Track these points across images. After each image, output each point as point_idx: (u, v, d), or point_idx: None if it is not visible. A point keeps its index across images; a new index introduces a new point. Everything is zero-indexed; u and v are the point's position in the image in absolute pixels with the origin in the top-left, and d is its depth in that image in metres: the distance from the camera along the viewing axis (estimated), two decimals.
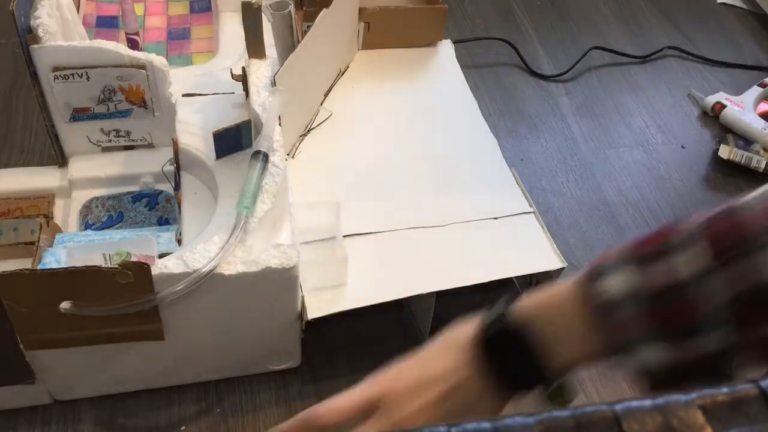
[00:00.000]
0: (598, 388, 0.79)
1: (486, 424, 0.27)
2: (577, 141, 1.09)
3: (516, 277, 0.86)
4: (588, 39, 1.28)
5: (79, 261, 0.63)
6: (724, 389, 0.29)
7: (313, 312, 0.68)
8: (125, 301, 0.59)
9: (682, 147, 1.10)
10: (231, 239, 0.62)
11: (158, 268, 0.60)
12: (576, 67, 1.20)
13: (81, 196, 0.84)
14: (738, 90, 1.18)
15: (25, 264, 0.75)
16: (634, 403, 0.28)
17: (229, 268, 0.62)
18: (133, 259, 0.66)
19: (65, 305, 0.59)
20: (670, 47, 1.26)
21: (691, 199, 1.03)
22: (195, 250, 0.62)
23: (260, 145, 0.68)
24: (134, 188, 0.85)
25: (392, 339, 0.80)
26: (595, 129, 1.12)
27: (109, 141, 0.85)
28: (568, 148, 1.08)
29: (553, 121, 1.12)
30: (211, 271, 0.60)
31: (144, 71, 0.78)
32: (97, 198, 0.83)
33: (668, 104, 1.18)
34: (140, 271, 0.58)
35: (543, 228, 0.80)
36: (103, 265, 0.58)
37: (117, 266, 0.57)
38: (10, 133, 0.99)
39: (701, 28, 1.35)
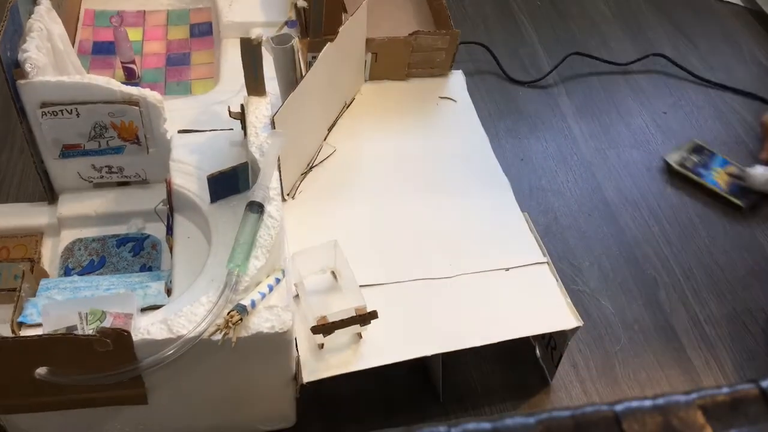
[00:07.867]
0: (598, 388, 0.77)
1: (486, 424, 0.28)
2: (577, 141, 1.08)
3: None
4: (588, 39, 1.25)
5: (54, 319, 0.59)
6: (725, 389, 0.29)
7: (309, 375, 0.64)
8: (105, 369, 0.55)
9: None
10: (220, 301, 0.58)
11: (140, 333, 0.55)
12: (577, 67, 1.18)
13: (70, 236, 0.79)
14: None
15: (6, 311, 0.71)
16: (634, 403, 0.29)
17: (217, 333, 0.57)
18: (109, 318, 0.61)
19: (41, 371, 0.55)
20: (655, 54, 1.23)
21: (691, 199, 1.01)
22: (180, 312, 0.57)
23: (255, 195, 0.64)
24: (124, 228, 0.81)
25: (398, 393, 0.76)
26: (595, 129, 1.10)
27: (101, 177, 0.81)
28: (568, 148, 1.07)
29: (553, 121, 1.10)
30: (197, 337, 0.56)
31: (137, 108, 0.74)
32: (80, 240, 0.79)
33: (668, 104, 1.15)
34: (120, 338, 0.53)
35: (557, 281, 0.75)
36: (79, 332, 0.54)
37: (94, 334, 0.53)
38: (10, 133, 0.98)
39: (701, 28, 1.32)
